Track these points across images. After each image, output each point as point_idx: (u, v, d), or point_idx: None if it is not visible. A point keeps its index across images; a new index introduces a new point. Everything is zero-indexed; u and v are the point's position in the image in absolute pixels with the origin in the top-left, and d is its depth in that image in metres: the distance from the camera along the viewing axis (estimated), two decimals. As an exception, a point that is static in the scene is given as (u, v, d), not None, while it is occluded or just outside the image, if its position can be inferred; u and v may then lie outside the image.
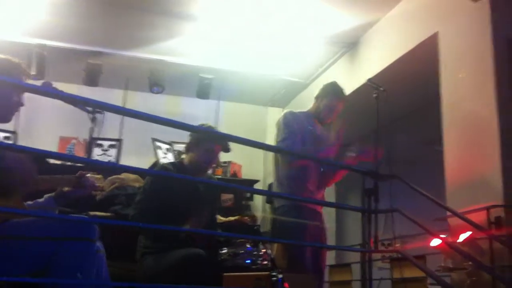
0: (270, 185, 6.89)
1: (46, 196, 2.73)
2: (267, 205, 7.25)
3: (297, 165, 3.66)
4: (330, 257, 5.07)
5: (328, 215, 4.80)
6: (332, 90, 3.86)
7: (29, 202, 2.66)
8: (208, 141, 3.58)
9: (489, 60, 4.02)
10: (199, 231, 3.39)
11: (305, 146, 3.67)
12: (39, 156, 3.84)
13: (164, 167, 3.83)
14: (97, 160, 5.55)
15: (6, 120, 2.64)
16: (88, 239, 2.37)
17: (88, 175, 2.80)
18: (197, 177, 3.64)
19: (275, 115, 8.21)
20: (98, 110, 2.70)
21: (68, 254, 2.31)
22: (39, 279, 2.31)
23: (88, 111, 2.69)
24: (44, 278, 2.30)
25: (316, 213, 3.68)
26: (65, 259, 2.30)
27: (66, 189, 2.73)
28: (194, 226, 3.31)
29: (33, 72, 5.93)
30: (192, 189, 3.57)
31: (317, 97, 3.90)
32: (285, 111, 3.91)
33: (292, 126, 3.71)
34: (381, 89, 3.76)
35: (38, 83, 2.65)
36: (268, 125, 8.13)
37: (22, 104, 2.62)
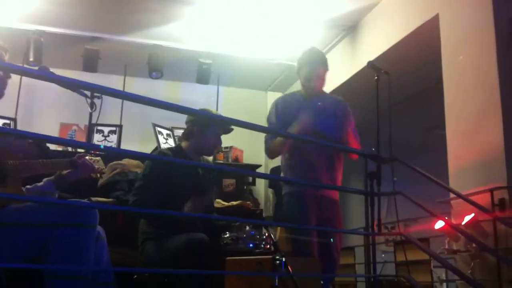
0: (272, 170, 6.89)
1: (45, 179, 2.71)
2: (270, 190, 7.28)
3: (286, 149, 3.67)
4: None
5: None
6: (301, 59, 3.77)
7: (28, 186, 2.63)
8: (214, 126, 3.55)
9: (491, 42, 3.97)
10: (199, 215, 3.38)
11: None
12: (40, 142, 3.82)
13: (163, 152, 3.81)
14: (97, 145, 5.52)
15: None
16: (86, 225, 2.35)
17: (87, 157, 2.78)
18: (198, 161, 3.63)
19: (274, 99, 8.17)
20: (96, 94, 2.67)
21: (65, 240, 2.29)
22: (35, 265, 2.29)
23: (86, 96, 2.66)
24: (41, 263, 2.28)
25: (322, 199, 3.60)
26: (62, 244, 2.28)
27: (65, 172, 2.70)
28: (191, 211, 3.29)
29: (31, 59, 5.89)
30: (193, 174, 3.55)
31: (297, 72, 3.83)
32: (276, 98, 3.90)
33: (272, 117, 3.78)
34: (383, 71, 3.72)
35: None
36: (267, 110, 8.08)
37: (9, 76, 2.58)
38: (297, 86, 7.53)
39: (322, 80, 3.75)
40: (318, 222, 3.51)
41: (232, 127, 3.64)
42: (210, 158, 6.55)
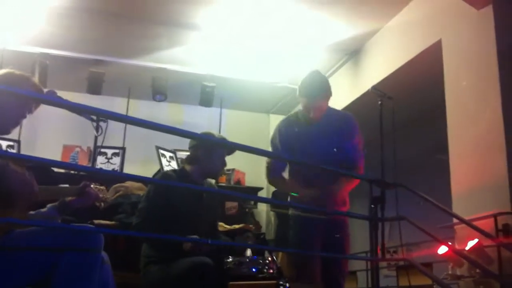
0: (273, 193, 6.87)
1: (48, 205, 2.71)
2: (272, 213, 7.26)
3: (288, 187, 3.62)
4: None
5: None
6: (300, 88, 3.62)
7: (32, 212, 2.63)
8: (219, 149, 3.56)
9: (493, 67, 4.00)
10: (203, 240, 3.36)
11: (293, 151, 3.56)
12: (43, 165, 3.83)
13: (167, 174, 3.80)
14: (100, 169, 5.54)
15: (6, 133, 2.63)
16: (92, 249, 2.34)
17: (92, 186, 2.79)
18: (202, 184, 3.63)
19: (277, 122, 8.17)
20: (102, 118, 2.69)
21: (70, 264, 2.29)
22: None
23: (92, 120, 2.68)
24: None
25: (330, 222, 3.50)
26: (67, 269, 2.28)
27: (69, 199, 2.71)
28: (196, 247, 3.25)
29: (42, 87, 5.91)
30: (196, 197, 3.55)
31: (298, 97, 3.72)
32: (279, 121, 3.81)
33: (275, 140, 3.71)
34: (387, 96, 3.73)
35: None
36: (270, 133, 8.09)
37: (24, 116, 2.60)
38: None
39: (322, 109, 3.60)
40: (324, 245, 3.47)
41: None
42: (213, 181, 6.57)
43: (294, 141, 3.60)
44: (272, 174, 3.67)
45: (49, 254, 2.29)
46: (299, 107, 3.73)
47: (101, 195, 2.87)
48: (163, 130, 2.06)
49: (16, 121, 2.60)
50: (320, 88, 3.57)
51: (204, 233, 3.47)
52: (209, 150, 3.55)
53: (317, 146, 3.54)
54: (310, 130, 3.62)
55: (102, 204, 2.91)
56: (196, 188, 3.57)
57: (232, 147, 3.52)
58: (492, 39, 4.04)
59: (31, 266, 2.29)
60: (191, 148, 3.64)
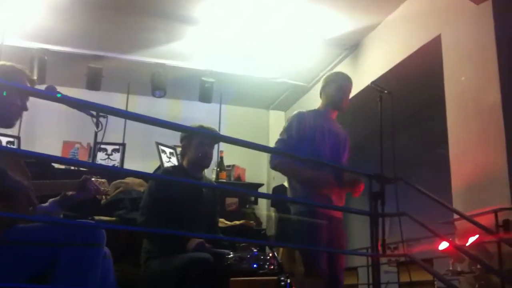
0: (274, 189, 6.88)
1: (50, 200, 2.72)
2: (272, 209, 7.25)
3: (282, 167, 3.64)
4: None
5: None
6: (335, 75, 3.85)
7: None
8: (197, 137, 3.58)
9: (493, 62, 3.99)
10: (204, 235, 3.36)
11: (315, 143, 3.63)
12: (43, 161, 3.83)
13: (167, 170, 3.83)
14: (100, 164, 5.53)
15: (10, 125, 2.63)
16: (94, 245, 2.34)
17: (93, 179, 2.79)
18: (199, 178, 3.66)
19: (276, 118, 8.20)
20: (102, 114, 2.69)
21: (72, 259, 2.29)
22: (42, 285, 2.28)
23: (92, 115, 2.68)
24: (47, 283, 2.28)
25: (332, 218, 3.59)
26: (68, 264, 2.28)
27: (70, 193, 2.71)
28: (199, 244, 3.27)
29: (34, 77, 5.89)
30: (196, 191, 3.56)
31: (323, 89, 3.84)
32: (295, 112, 3.82)
33: (291, 129, 3.68)
34: (386, 92, 3.74)
35: (40, 87, 2.63)
36: (270, 129, 8.12)
37: (25, 109, 2.60)
38: (299, 106, 7.58)
39: (348, 101, 3.82)
40: (327, 240, 3.50)
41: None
42: (213, 177, 6.57)
43: (319, 131, 3.66)
44: (280, 157, 3.65)
45: (51, 249, 2.29)
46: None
47: (102, 188, 2.88)
48: (162, 126, 2.06)
49: (18, 113, 2.60)
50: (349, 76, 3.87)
51: (204, 229, 3.48)
52: (187, 139, 3.58)
53: (332, 142, 3.70)
54: (328, 126, 3.73)
55: (104, 197, 2.91)
56: (195, 183, 3.59)
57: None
58: (491, 34, 4.03)
59: (33, 261, 2.29)
60: (181, 141, 3.69)
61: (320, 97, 3.87)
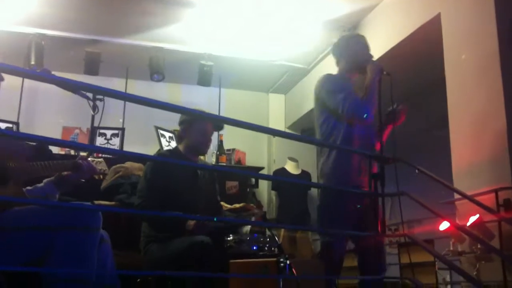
0: (275, 172, 6.88)
1: (45, 180, 2.67)
2: (273, 192, 7.27)
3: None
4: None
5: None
6: (350, 34, 3.78)
7: (29, 188, 2.61)
8: (198, 122, 3.56)
9: (493, 41, 3.95)
10: (207, 218, 3.36)
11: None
12: (42, 145, 3.81)
13: (162, 154, 3.82)
14: (99, 147, 5.52)
15: None
16: (89, 228, 2.33)
17: (89, 159, 2.76)
18: (195, 162, 3.66)
19: (276, 101, 8.17)
20: (98, 97, 2.66)
21: (68, 243, 2.27)
22: (37, 268, 2.27)
23: (88, 98, 2.64)
24: (43, 267, 2.27)
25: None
26: (64, 247, 2.26)
27: (65, 173, 2.68)
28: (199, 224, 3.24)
29: (32, 62, 5.88)
30: (192, 174, 3.56)
31: (340, 53, 3.71)
32: (321, 75, 3.60)
33: (329, 86, 3.49)
34: (385, 73, 3.70)
35: (37, 72, 2.59)
36: (270, 112, 8.10)
37: (1, 79, 2.54)
38: (298, 88, 7.55)
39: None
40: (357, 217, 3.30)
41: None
42: (213, 160, 6.55)
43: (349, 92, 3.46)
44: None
45: (47, 233, 2.27)
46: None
47: (99, 168, 2.84)
48: (157, 107, 2.05)
49: None
50: None
51: (204, 210, 3.47)
52: (189, 124, 3.56)
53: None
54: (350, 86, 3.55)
55: (101, 176, 2.88)
56: (191, 165, 3.58)
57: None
58: (492, 12, 3.99)
59: (29, 245, 2.27)
60: (179, 126, 3.65)
61: (337, 64, 3.74)
